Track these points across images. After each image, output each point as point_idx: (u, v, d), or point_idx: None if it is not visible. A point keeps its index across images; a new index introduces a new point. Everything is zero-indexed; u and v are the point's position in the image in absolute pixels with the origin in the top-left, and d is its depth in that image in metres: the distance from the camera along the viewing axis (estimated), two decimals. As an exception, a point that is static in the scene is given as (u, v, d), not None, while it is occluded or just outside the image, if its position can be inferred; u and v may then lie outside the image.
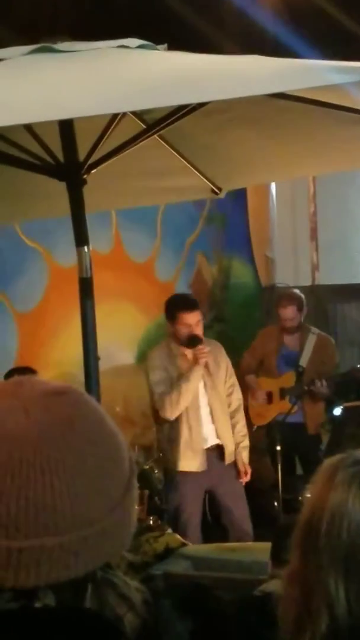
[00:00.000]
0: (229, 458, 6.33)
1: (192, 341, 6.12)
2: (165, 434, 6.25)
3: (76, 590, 1.30)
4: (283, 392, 7.58)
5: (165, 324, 6.44)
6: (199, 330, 6.17)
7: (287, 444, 7.05)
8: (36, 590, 1.28)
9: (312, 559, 1.94)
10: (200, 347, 6.14)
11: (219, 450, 6.33)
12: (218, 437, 6.32)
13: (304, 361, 7.53)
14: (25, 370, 6.09)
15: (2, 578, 1.26)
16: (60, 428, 1.30)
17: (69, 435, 1.30)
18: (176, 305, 6.28)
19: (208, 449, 6.27)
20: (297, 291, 7.94)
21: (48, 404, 1.32)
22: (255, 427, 7.75)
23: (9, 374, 6.26)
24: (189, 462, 6.21)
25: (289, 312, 7.64)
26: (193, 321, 6.16)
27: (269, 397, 7.69)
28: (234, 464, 6.40)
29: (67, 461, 1.28)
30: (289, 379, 7.58)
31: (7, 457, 1.27)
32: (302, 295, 7.78)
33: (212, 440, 6.31)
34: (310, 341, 7.61)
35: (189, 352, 6.19)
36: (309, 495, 2.04)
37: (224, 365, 6.45)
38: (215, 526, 6.60)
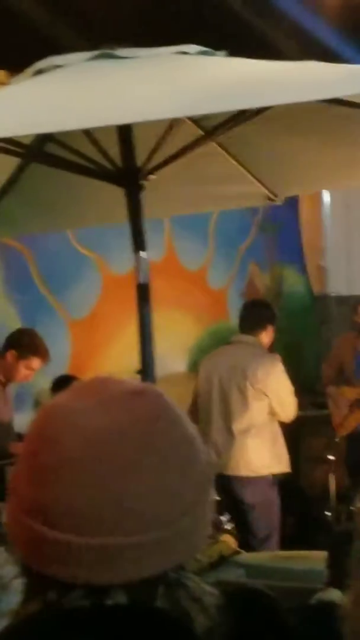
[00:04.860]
0: None
1: None
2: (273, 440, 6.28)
3: (148, 590, 1.29)
4: None
5: (219, 332, 6.46)
6: None
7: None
8: (108, 588, 1.27)
9: None
10: None
11: None
12: None
13: None
14: (71, 379, 6.11)
15: (75, 575, 1.26)
16: (138, 428, 1.29)
17: (146, 436, 1.29)
18: None
19: None
20: None
21: (127, 404, 1.31)
22: (338, 437, 7.65)
23: (56, 383, 6.29)
24: None
25: None
26: None
27: (354, 405, 7.56)
28: None
29: (144, 461, 1.27)
30: None
31: (84, 455, 1.26)
32: None
33: None
34: None
35: None
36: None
37: None
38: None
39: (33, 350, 5.87)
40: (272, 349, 6.54)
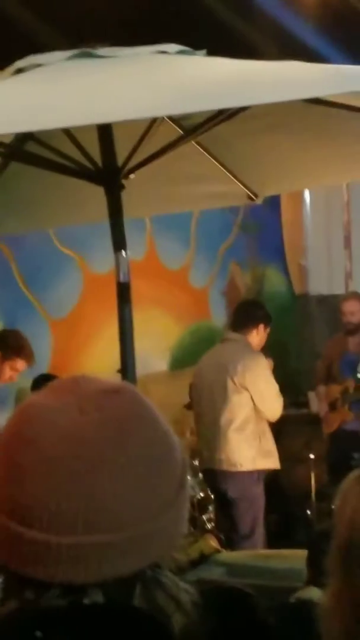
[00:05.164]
0: None
1: None
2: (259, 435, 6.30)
3: (125, 589, 1.29)
4: (344, 399, 7.49)
5: (200, 331, 6.50)
6: None
7: (342, 453, 6.97)
8: (85, 587, 1.27)
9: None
10: None
11: None
12: None
13: None
14: (51, 378, 6.09)
15: (52, 574, 1.26)
16: (113, 426, 1.29)
17: (122, 434, 1.29)
18: None
19: None
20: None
21: (103, 402, 1.31)
22: (325, 435, 7.66)
23: (36, 382, 6.28)
24: None
25: (351, 305, 7.61)
26: None
27: (335, 404, 7.59)
28: None
29: (119, 460, 1.27)
30: (351, 385, 7.50)
31: (60, 454, 1.26)
32: None
33: None
34: None
35: None
36: (340, 511, 1.98)
37: None
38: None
39: (18, 352, 5.88)
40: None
